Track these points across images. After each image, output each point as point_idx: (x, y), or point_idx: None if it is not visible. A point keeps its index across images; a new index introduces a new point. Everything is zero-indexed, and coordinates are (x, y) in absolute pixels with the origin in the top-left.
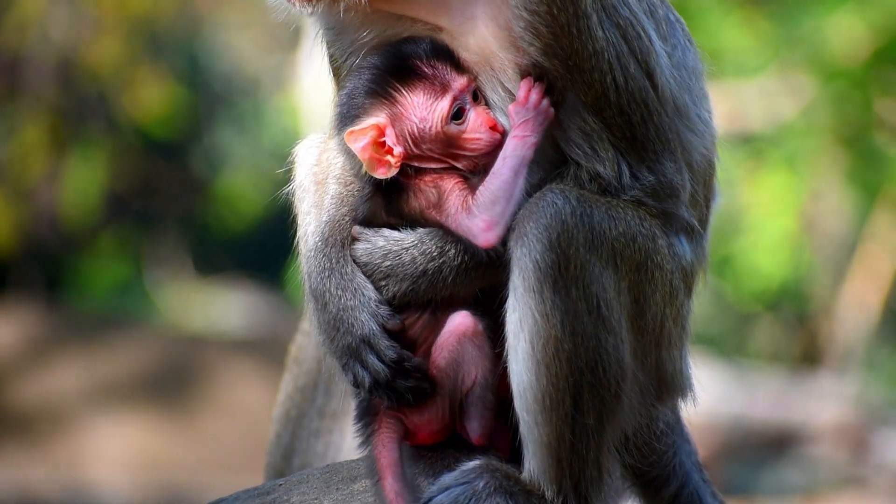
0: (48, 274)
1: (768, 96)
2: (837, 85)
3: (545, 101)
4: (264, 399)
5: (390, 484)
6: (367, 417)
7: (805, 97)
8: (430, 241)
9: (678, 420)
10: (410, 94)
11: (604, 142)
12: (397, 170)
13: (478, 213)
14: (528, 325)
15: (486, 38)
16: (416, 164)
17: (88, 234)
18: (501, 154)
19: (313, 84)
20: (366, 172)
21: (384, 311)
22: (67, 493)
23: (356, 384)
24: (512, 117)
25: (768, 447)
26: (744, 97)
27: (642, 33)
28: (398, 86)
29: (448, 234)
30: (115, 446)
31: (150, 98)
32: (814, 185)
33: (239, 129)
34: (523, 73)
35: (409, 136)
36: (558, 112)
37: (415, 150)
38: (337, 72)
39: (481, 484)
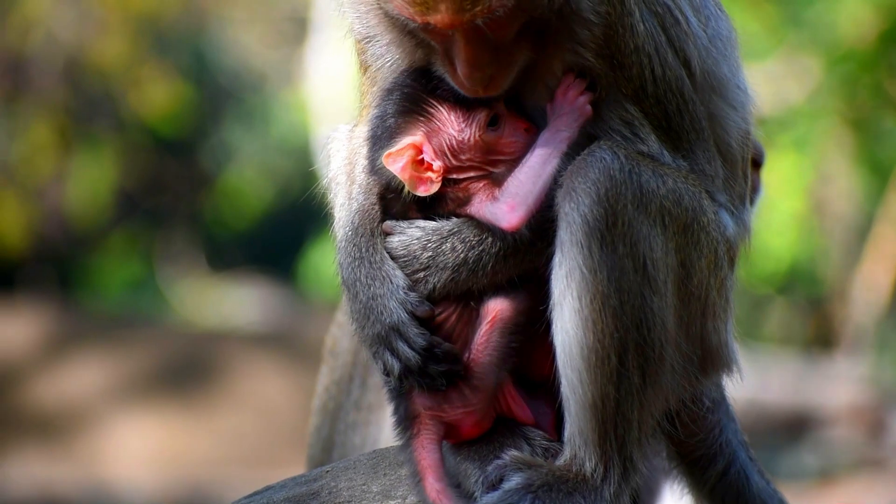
0: (59, 273)
1: (776, 80)
2: (845, 67)
3: (583, 98)
4: (281, 392)
5: (431, 484)
6: (406, 421)
7: (813, 80)
8: (469, 229)
9: (723, 398)
10: (444, 108)
11: (644, 127)
12: (439, 185)
13: (502, 199)
14: (576, 279)
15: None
16: (454, 175)
17: (99, 233)
18: (533, 146)
19: (320, 79)
20: (408, 192)
21: (413, 298)
22: (88, 490)
23: (386, 372)
24: (549, 113)
25: (783, 430)
26: (752, 81)
27: (680, 17)
28: (431, 101)
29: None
30: (134, 443)
31: (157, 96)
32: (824, 167)
33: (246, 125)
34: (565, 71)
35: (448, 148)
36: (597, 108)
37: (454, 161)
38: (364, 65)
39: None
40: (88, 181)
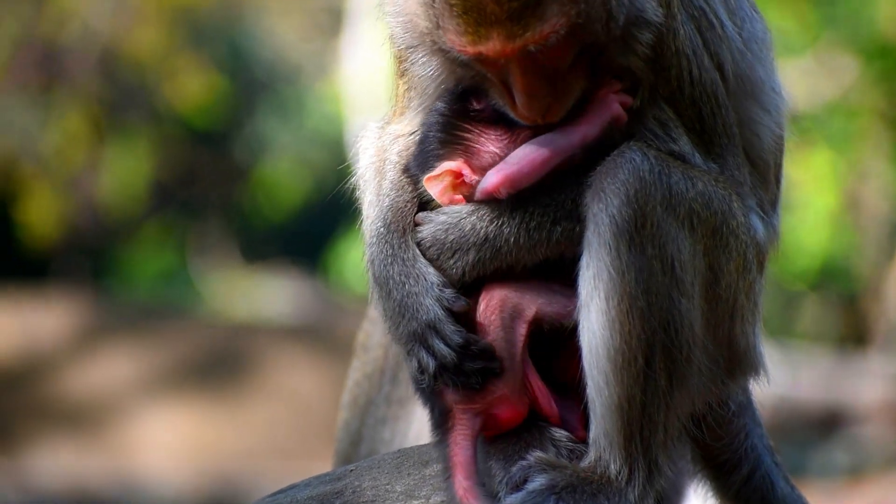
0: (93, 264)
1: (811, 76)
2: (881, 64)
3: (614, 97)
4: (312, 385)
5: (460, 481)
6: (441, 418)
7: (849, 77)
8: (487, 205)
9: (749, 402)
10: (483, 128)
11: (679, 128)
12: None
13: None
14: (603, 280)
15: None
16: None
17: (132, 224)
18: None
19: (356, 71)
20: None
21: (448, 294)
22: (118, 482)
23: (421, 370)
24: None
25: (815, 428)
26: (787, 77)
27: (715, 21)
28: (467, 126)
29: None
30: (165, 435)
31: (192, 87)
32: (859, 164)
33: (281, 117)
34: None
35: (491, 166)
36: (635, 106)
37: None
38: (403, 71)
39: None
40: (122, 172)
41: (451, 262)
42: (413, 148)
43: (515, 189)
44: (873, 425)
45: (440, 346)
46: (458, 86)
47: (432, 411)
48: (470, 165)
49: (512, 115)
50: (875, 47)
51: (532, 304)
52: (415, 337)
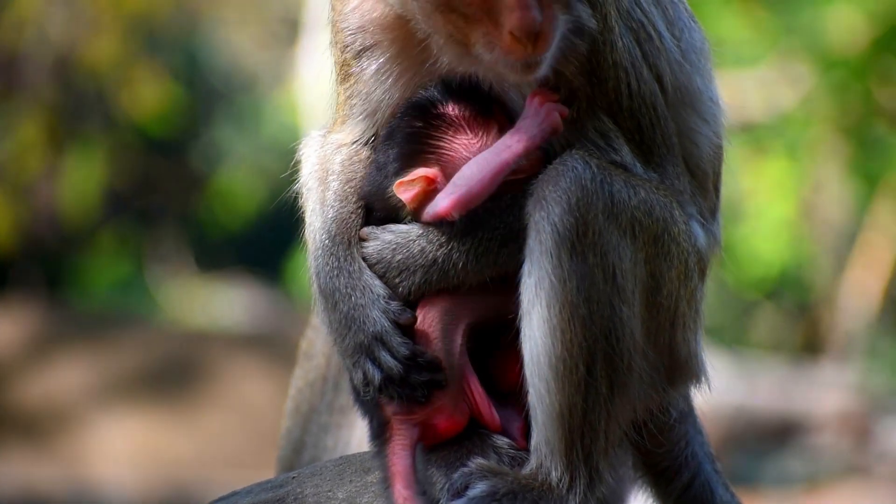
0: (48, 272)
1: (767, 86)
2: (837, 74)
3: (551, 107)
4: (267, 394)
5: (399, 490)
6: (379, 429)
7: (804, 86)
8: (437, 228)
9: (691, 410)
10: (457, 137)
11: (619, 139)
12: None
13: (444, 191)
14: (545, 288)
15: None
16: None
17: (88, 232)
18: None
19: (312, 80)
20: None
21: (394, 306)
22: (72, 490)
23: (366, 382)
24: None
25: (771, 437)
26: (743, 87)
27: (653, 32)
28: (439, 135)
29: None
30: (119, 443)
31: (148, 95)
32: (814, 173)
33: (237, 126)
34: (542, 82)
35: None
36: (572, 119)
37: None
38: (346, 76)
39: None
40: (78, 180)
41: (397, 280)
42: (377, 155)
43: (467, 210)
44: (829, 434)
45: (387, 358)
46: (412, 84)
47: (371, 421)
48: (444, 174)
49: (496, 59)
50: (830, 57)
51: (468, 311)
52: (361, 349)
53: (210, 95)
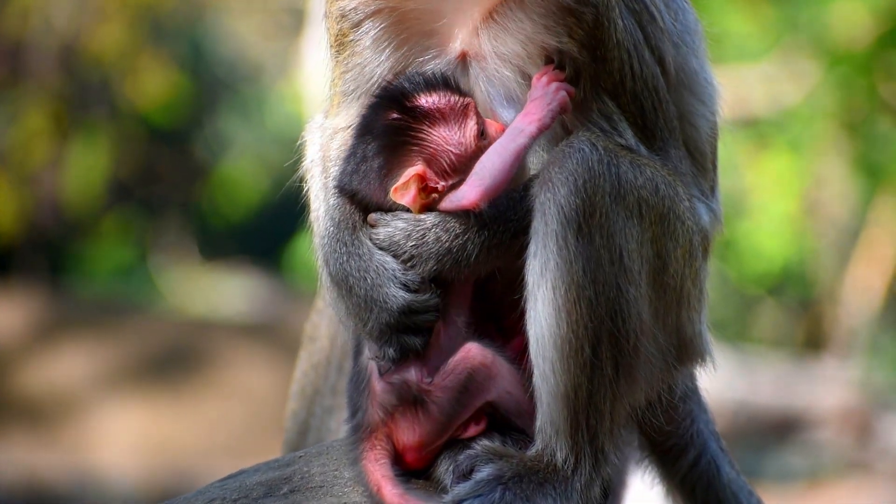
0: (52, 259)
1: (771, 81)
2: (841, 70)
3: (559, 86)
4: (269, 382)
5: (391, 491)
6: (361, 432)
7: (808, 82)
8: (455, 219)
9: (695, 388)
10: (436, 129)
11: (623, 122)
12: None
13: (467, 181)
14: (550, 269)
15: (524, 29)
16: (451, 182)
17: (92, 220)
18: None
19: (316, 70)
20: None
21: (412, 275)
22: (75, 477)
23: (403, 354)
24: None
25: (772, 432)
26: (747, 82)
27: (655, 13)
28: (419, 127)
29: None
30: (122, 430)
31: (153, 85)
32: (818, 169)
33: (242, 116)
34: (546, 59)
35: (449, 166)
36: (577, 100)
37: (456, 176)
38: (340, 43)
39: (497, 496)
40: (83, 169)
41: (407, 265)
42: (355, 144)
43: (492, 200)
44: (830, 430)
45: (424, 318)
46: (408, 56)
47: (354, 420)
48: (432, 169)
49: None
50: (834, 53)
51: (495, 389)
52: (389, 328)
53: (214, 85)
